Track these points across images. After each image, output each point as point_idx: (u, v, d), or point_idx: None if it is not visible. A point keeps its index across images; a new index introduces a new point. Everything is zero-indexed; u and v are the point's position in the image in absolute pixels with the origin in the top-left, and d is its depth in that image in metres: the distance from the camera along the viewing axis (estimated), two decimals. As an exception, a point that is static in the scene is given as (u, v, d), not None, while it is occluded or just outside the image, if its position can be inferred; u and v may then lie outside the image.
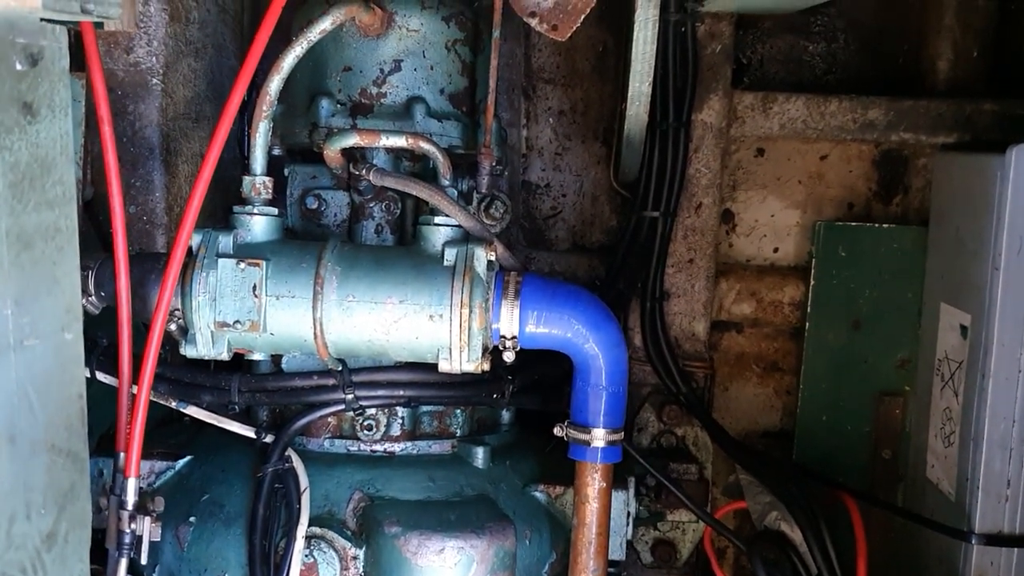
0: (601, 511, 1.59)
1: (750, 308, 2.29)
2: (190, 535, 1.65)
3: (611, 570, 1.75)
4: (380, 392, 1.65)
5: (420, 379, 1.66)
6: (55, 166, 0.84)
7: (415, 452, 1.75)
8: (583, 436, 1.57)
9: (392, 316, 1.51)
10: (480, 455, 1.75)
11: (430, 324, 1.50)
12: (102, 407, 1.55)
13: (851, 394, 2.20)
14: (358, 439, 1.73)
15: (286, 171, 1.79)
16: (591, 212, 2.32)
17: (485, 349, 1.55)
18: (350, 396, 1.63)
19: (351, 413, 1.72)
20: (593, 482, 1.59)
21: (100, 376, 1.63)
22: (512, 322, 1.53)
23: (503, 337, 1.55)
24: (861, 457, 2.19)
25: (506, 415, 1.95)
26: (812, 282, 2.19)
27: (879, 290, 2.16)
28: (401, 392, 1.66)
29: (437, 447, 1.76)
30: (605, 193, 2.31)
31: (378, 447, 1.73)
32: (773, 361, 2.37)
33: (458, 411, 1.80)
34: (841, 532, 1.86)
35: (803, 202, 2.29)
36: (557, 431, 1.61)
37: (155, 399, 1.65)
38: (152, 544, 1.69)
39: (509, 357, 1.56)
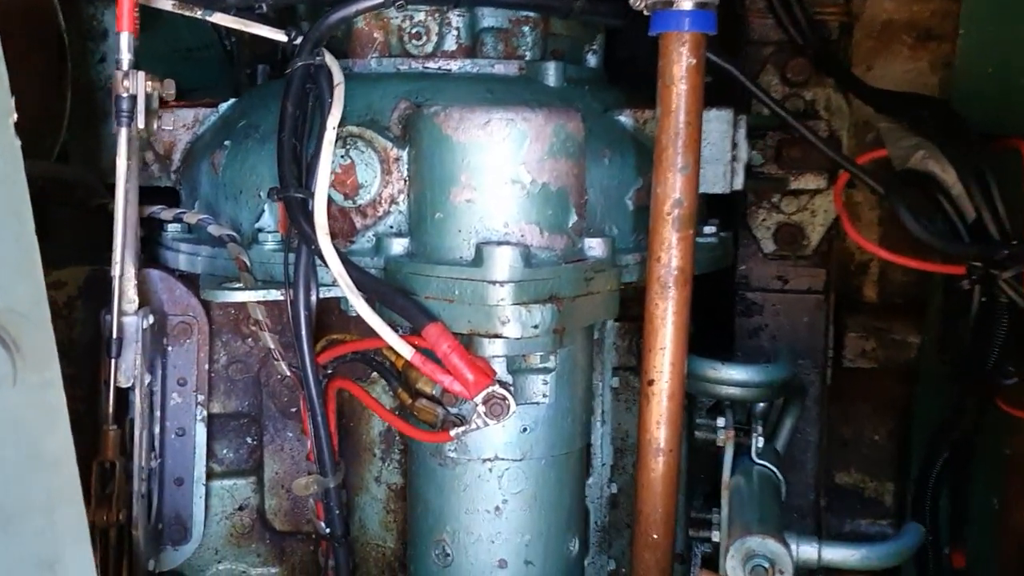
0: (691, 94, 1.28)
1: (901, -52, 1.88)
2: (224, 158, 1.47)
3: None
4: (425, -20, 1.39)
5: (471, -35, 1.39)
6: None
7: (474, 71, 1.49)
8: (666, -3, 1.26)
9: None
10: (552, 71, 1.49)
11: None
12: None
13: (1026, 38, 1.77)
14: (408, 55, 1.49)
15: None
16: None
17: None
18: (389, -16, 1.38)
19: (397, 22, 1.48)
20: (680, 59, 1.28)
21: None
22: None
23: None
24: (1038, 116, 1.77)
25: (592, 58, 1.67)
26: None
27: None
28: (449, -19, 1.39)
29: (501, 67, 1.50)
30: None
31: (431, 64, 1.49)
32: (927, 28, 1.96)
33: (526, 29, 1.53)
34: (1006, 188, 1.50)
35: None
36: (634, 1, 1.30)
37: (178, 10, 1.46)
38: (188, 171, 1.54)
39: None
